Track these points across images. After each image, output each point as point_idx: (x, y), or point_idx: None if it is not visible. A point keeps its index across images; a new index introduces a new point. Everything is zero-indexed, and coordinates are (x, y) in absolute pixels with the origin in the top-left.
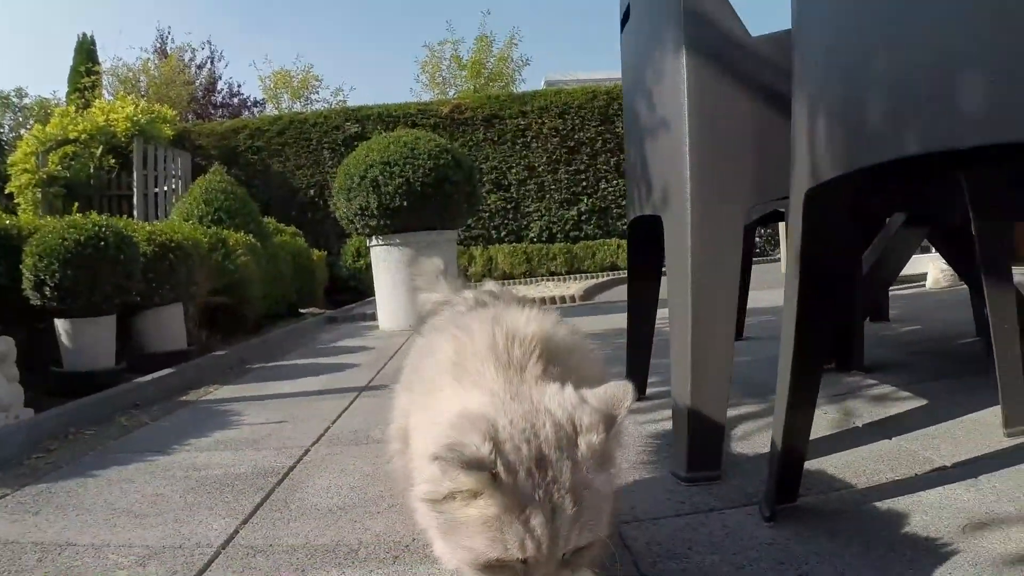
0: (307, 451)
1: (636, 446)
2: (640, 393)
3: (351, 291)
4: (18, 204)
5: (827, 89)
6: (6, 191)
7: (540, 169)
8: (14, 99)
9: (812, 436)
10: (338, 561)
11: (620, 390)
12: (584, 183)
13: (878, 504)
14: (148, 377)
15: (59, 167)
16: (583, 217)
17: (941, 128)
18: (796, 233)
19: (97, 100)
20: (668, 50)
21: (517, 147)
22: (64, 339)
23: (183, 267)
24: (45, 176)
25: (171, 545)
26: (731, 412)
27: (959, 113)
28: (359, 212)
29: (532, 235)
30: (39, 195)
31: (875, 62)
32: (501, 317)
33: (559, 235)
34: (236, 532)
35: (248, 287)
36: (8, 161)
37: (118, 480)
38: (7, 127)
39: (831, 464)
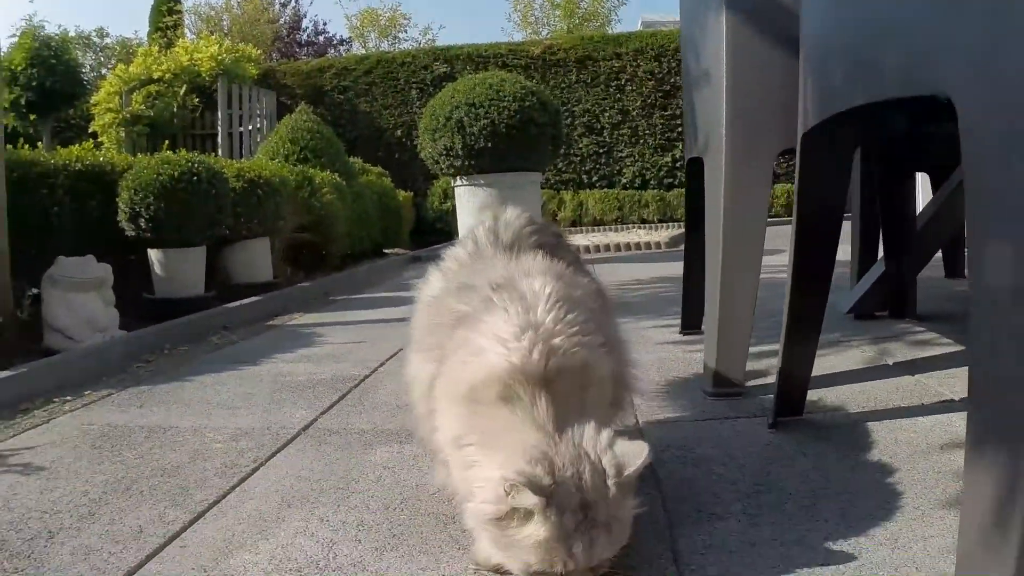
0: (382, 364)
1: (678, 369)
2: (692, 328)
3: (437, 233)
4: (102, 143)
5: (811, 50)
6: (90, 130)
7: (634, 113)
8: (96, 39)
9: (843, 368)
10: (399, 439)
11: (637, 449)
12: (679, 129)
13: (876, 423)
14: (236, 303)
15: (143, 106)
16: (677, 164)
17: (874, 85)
18: (796, 171)
19: (180, 40)
20: (711, 7)
21: (611, 90)
22: (157, 268)
23: (271, 203)
24: (129, 116)
25: (259, 427)
26: (766, 343)
27: (884, 72)
28: (444, 152)
29: (624, 181)
30: (123, 134)
31: (836, 33)
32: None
33: (652, 182)
34: (315, 420)
35: (333, 225)
36: (92, 101)
37: (212, 383)
38: (89, 67)
39: (848, 391)
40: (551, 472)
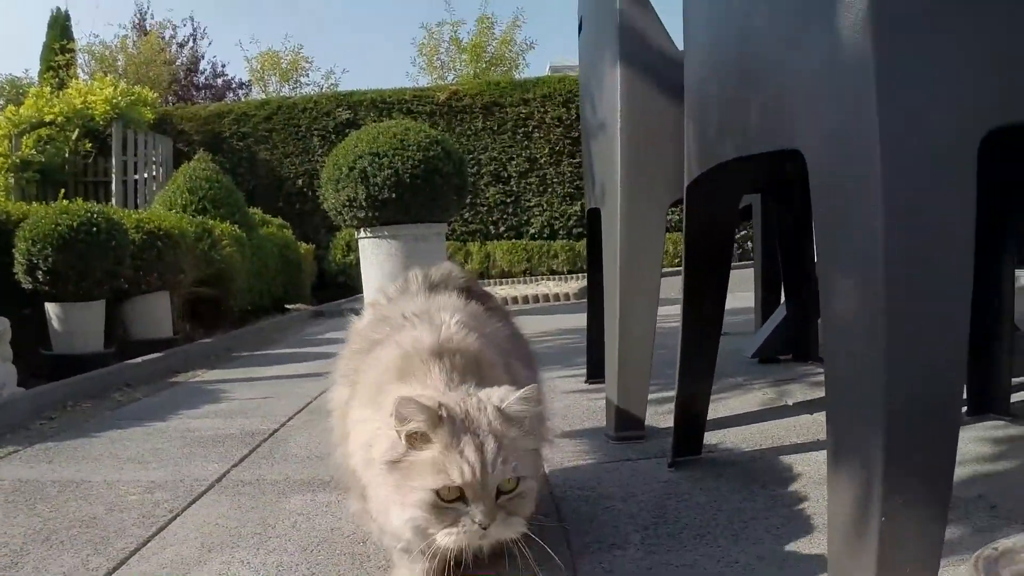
0: (290, 418)
1: (581, 416)
2: (597, 377)
3: (340, 287)
4: None
5: (692, 100)
6: None
7: (542, 161)
8: None
9: (743, 410)
10: (312, 489)
11: (532, 390)
12: None
13: (772, 459)
14: (139, 359)
15: (33, 151)
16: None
17: (741, 139)
18: (684, 219)
19: (72, 80)
20: (607, 61)
21: (518, 137)
22: (55, 323)
23: (171, 255)
24: (18, 160)
25: (173, 480)
26: (668, 390)
27: (749, 126)
28: (347, 203)
29: (533, 231)
30: (11, 180)
31: (711, 83)
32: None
33: (561, 231)
34: (228, 472)
35: (233, 279)
36: None
37: (120, 439)
38: None
39: (747, 431)
40: (437, 398)
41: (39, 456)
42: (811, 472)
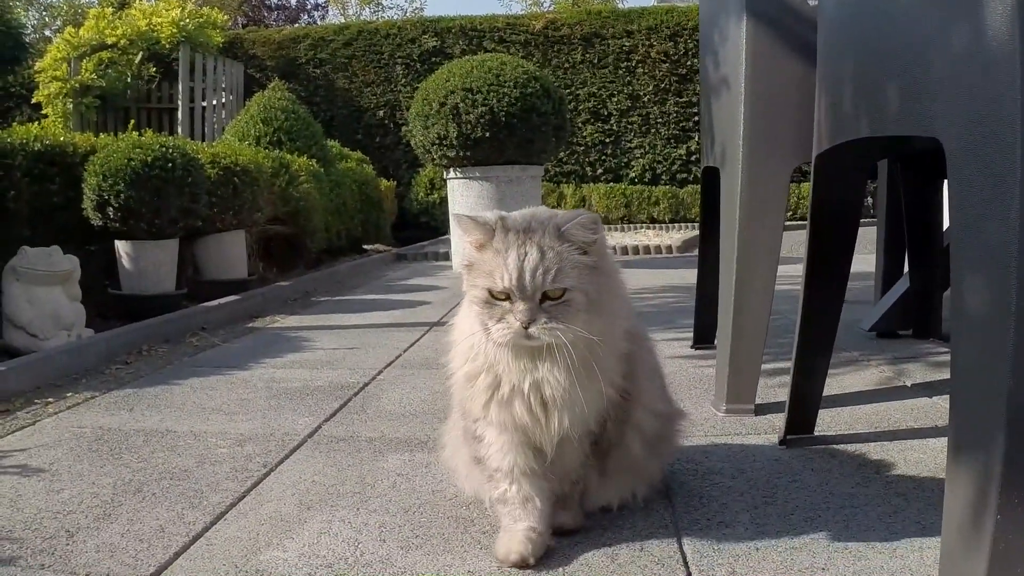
0: (380, 372)
1: (687, 384)
2: (704, 342)
3: (422, 228)
4: (46, 115)
5: (825, 70)
6: (33, 100)
7: (645, 99)
8: None
9: (858, 388)
10: (410, 448)
11: (590, 218)
12: (695, 118)
13: (887, 443)
14: (215, 302)
15: (93, 76)
16: (692, 157)
17: (877, 119)
18: (810, 191)
19: (136, 1)
20: (731, 13)
21: (620, 72)
22: (125, 261)
23: (247, 192)
24: (78, 85)
25: (262, 434)
26: (782, 360)
27: (886, 106)
28: (436, 141)
29: (633, 175)
30: (70, 106)
31: (848, 57)
32: None
33: (664, 176)
34: (319, 427)
35: (310, 217)
36: (36, 67)
37: (202, 388)
38: (32, 28)
39: (861, 412)
40: (499, 215)
41: (119, 403)
42: (928, 460)
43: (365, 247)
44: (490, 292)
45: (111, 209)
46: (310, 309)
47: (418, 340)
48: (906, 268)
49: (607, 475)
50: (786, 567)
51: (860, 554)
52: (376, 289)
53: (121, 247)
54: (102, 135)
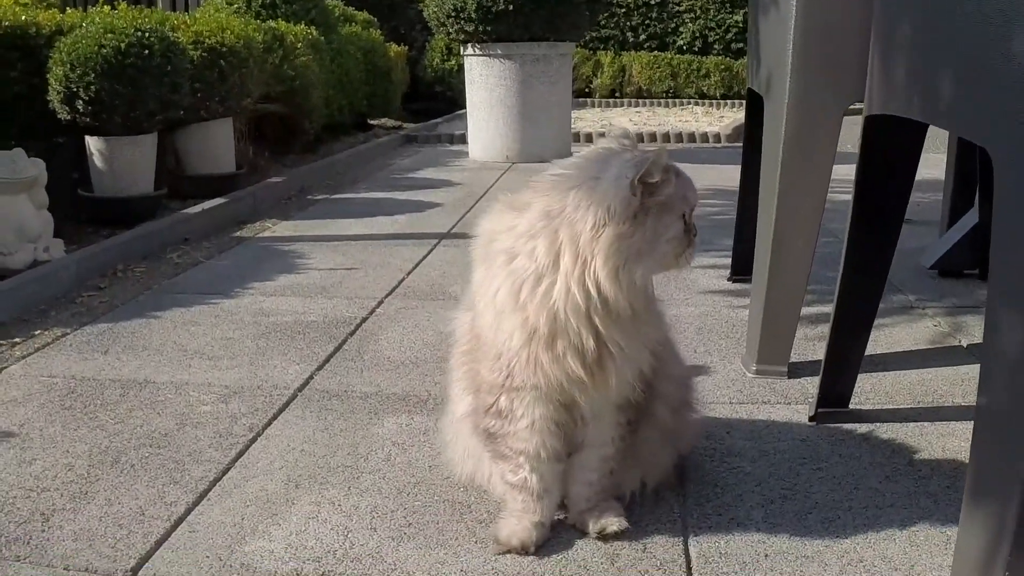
0: (380, 303)
1: (719, 329)
2: (743, 274)
3: (437, 98)
4: None
5: (880, 28)
6: None
7: None
8: None
9: (906, 347)
10: (408, 408)
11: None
12: None
13: (927, 424)
14: (198, 208)
15: None
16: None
17: (929, 107)
18: (859, 152)
19: None
20: None
21: None
22: (97, 160)
23: (235, 76)
24: None
25: (249, 386)
26: (826, 303)
27: (938, 98)
28: (453, 13)
29: (681, 42)
30: None
31: (902, 25)
32: None
33: (716, 45)
34: (311, 377)
35: (308, 95)
36: None
37: (183, 322)
38: None
39: (905, 379)
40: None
41: (92, 343)
42: (966, 451)
43: (371, 122)
44: (683, 216)
45: (81, 102)
46: (305, 211)
47: (424, 258)
48: (976, 201)
49: (627, 459)
50: None
51: (875, 569)
52: (380, 184)
53: (93, 144)
54: (69, 10)
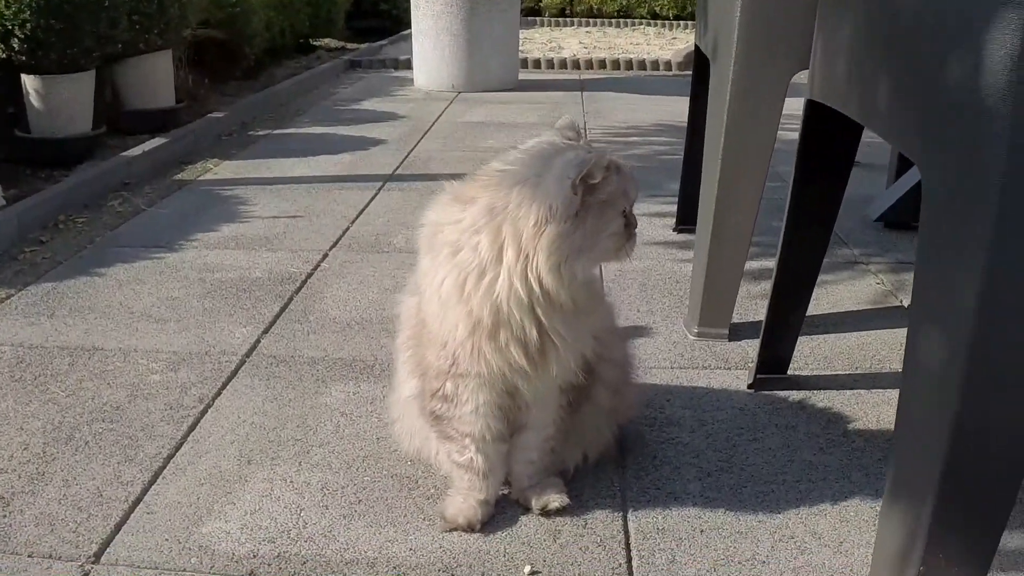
0: (325, 256)
1: (662, 285)
2: (689, 223)
3: (380, 16)
4: None
5: (823, 29)
6: None
7: None
8: None
9: (848, 307)
10: (355, 374)
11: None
12: None
13: (864, 391)
14: (138, 150)
15: None
16: None
17: (865, 111)
18: (800, 134)
19: None
20: None
21: None
22: (33, 99)
23: (175, 7)
24: None
25: (198, 352)
26: (770, 256)
27: (876, 109)
28: None
29: None
30: None
31: (844, 22)
32: None
33: None
34: (258, 341)
35: (248, 20)
36: None
37: (128, 281)
38: None
39: (844, 343)
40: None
41: (38, 306)
42: None
43: (314, 43)
44: (624, 212)
45: (16, 40)
46: (247, 150)
47: (368, 204)
48: None
49: (569, 436)
50: (727, 557)
51: (805, 546)
52: (323, 117)
53: (29, 83)
54: None
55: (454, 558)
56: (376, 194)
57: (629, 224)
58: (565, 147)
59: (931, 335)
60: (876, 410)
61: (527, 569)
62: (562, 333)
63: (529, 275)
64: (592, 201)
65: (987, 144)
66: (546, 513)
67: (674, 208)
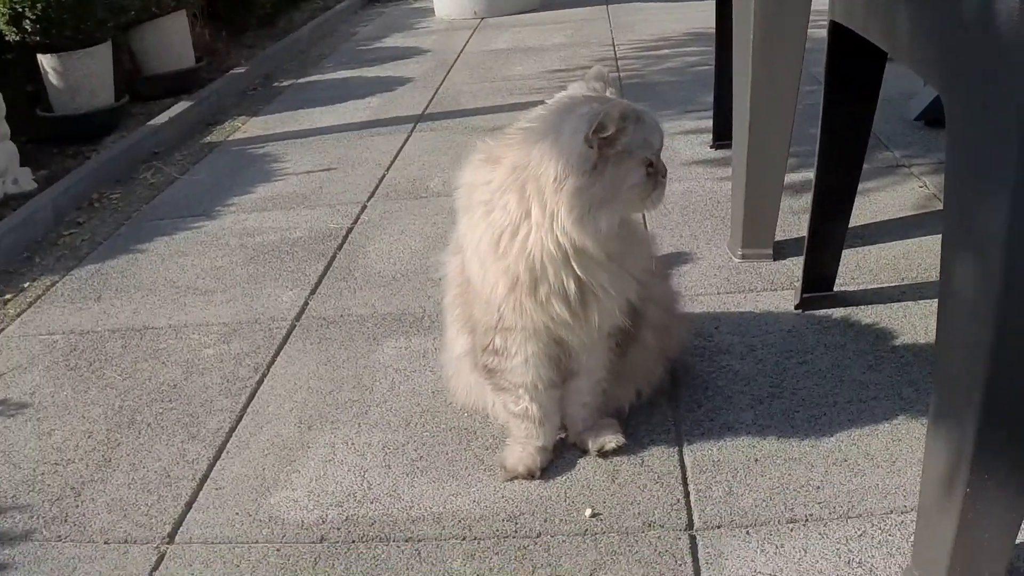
0: (363, 208)
1: (702, 207)
2: (727, 139)
3: None
4: None
5: None
6: None
7: None
8: None
9: (890, 215)
10: (405, 329)
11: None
12: None
13: (911, 303)
14: (163, 118)
15: None
16: None
17: (886, 35)
18: (826, 53)
19: None
20: None
21: None
22: (52, 78)
23: None
24: None
25: (247, 320)
26: (806, 176)
27: (896, 35)
28: None
29: None
30: None
31: None
32: None
33: None
34: (306, 304)
35: None
36: None
37: (170, 254)
38: None
39: (889, 253)
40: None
41: (84, 290)
42: None
43: None
44: (647, 161)
45: (27, 22)
46: (273, 103)
47: (400, 150)
48: None
49: (620, 376)
50: (783, 484)
51: (858, 468)
52: (346, 59)
53: (46, 62)
54: None
55: (517, 507)
56: (408, 137)
57: (654, 173)
58: (583, 100)
59: (963, 264)
60: (924, 322)
61: (588, 512)
62: (601, 283)
63: (556, 230)
64: (610, 153)
65: (1009, 73)
66: (603, 454)
67: (710, 124)
